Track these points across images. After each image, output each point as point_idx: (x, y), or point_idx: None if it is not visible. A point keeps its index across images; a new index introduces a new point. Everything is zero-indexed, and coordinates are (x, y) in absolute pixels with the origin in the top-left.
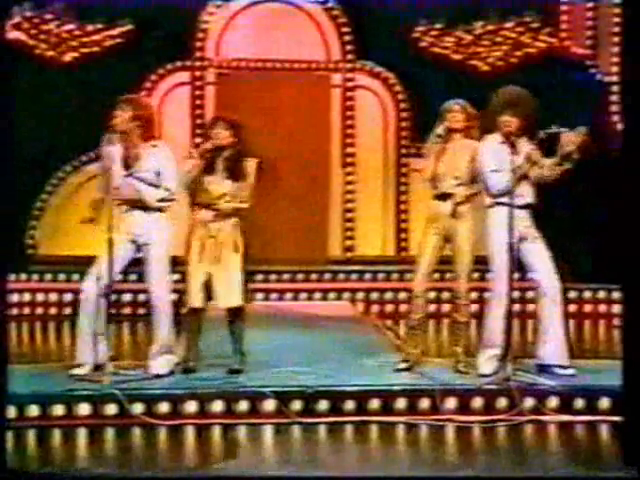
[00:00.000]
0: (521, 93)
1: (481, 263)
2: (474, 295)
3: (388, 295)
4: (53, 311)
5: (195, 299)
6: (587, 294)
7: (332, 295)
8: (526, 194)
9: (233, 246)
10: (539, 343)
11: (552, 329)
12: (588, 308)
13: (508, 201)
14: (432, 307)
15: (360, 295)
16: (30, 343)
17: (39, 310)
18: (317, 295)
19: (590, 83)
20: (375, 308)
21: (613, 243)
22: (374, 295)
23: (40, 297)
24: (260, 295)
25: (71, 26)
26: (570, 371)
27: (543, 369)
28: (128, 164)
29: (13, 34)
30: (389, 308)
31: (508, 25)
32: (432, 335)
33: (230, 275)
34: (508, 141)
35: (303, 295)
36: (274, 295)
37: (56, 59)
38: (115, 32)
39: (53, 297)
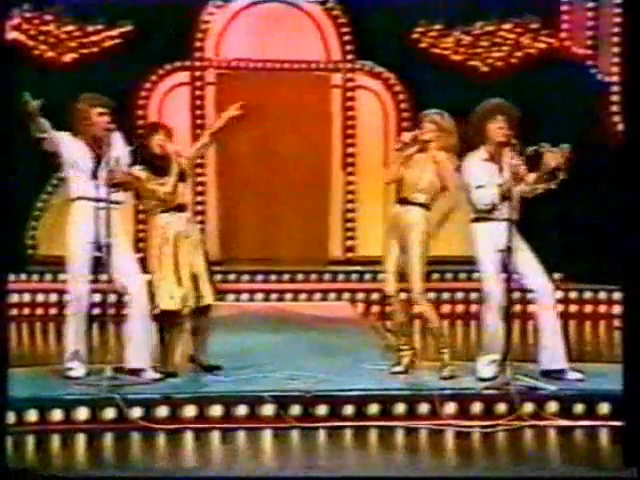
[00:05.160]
0: (505, 101)
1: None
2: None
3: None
4: (53, 311)
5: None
6: (587, 295)
7: (332, 296)
8: (509, 209)
9: (199, 246)
10: (539, 349)
11: (550, 334)
12: (589, 309)
13: (493, 216)
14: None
15: (360, 296)
16: (30, 344)
17: (39, 311)
18: (317, 296)
19: (590, 83)
20: (375, 309)
21: (613, 243)
22: (374, 296)
23: (40, 297)
24: (260, 295)
25: (71, 27)
26: (578, 375)
27: (548, 374)
28: None
29: (12, 35)
30: (390, 309)
31: (507, 26)
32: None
33: (200, 274)
34: (495, 154)
35: (303, 296)
36: (274, 295)
37: (56, 60)
38: (115, 33)
39: (53, 297)
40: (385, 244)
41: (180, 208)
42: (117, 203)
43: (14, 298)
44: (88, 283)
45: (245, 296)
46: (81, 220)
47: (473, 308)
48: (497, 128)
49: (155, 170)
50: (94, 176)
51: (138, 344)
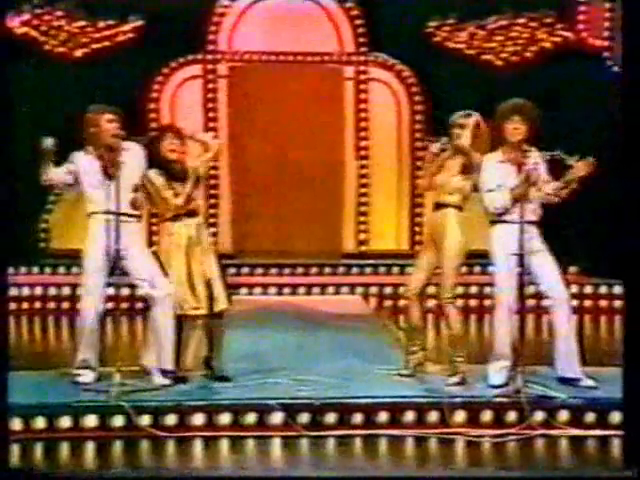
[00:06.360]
0: (526, 101)
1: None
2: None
3: (402, 290)
4: (66, 305)
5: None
6: (603, 289)
7: (345, 289)
8: (528, 211)
9: (210, 250)
10: (554, 355)
11: (565, 341)
12: (604, 303)
13: (509, 218)
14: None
15: (373, 290)
16: (42, 339)
17: (51, 304)
18: (330, 289)
19: (607, 76)
20: (388, 303)
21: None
22: (387, 290)
23: (52, 291)
24: (273, 289)
25: (82, 22)
26: (590, 382)
27: (563, 381)
28: None
29: (23, 30)
30: (402, 303)
31: (522, 20)
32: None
33: (214, 279)
34: (513, 155)
35: (316, 289)
36: (287, 289)
37: (67, 55)
38: (127, 27)
39: (66, 291)
40: (423, 245)
41: (191, 213)
42: (134, 216)
43: (25, 291)
44: (103, 297)
45: (258, 289)
46: (98, 235)
47: (487, 303)
48: (513, 128)
49: (170, 175)
50: (107, 189)
51: (166, 347)
